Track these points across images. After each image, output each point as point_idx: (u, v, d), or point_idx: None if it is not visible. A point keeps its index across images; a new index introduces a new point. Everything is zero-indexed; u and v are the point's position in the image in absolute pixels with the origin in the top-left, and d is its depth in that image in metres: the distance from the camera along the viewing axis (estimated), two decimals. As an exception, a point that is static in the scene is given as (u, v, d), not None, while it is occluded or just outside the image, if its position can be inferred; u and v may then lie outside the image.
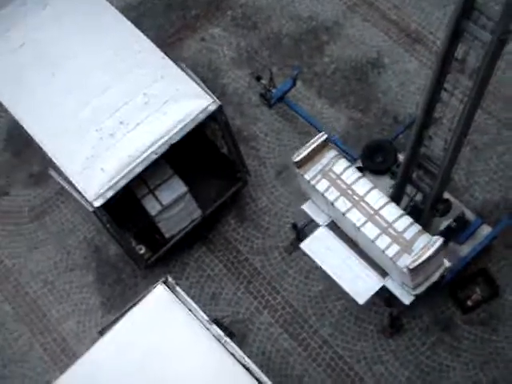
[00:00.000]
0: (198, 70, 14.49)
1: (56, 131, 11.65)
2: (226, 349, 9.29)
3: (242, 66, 15.02)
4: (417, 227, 9.90)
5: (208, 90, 11.65)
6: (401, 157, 12.08)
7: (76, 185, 11.22)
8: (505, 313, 12.01)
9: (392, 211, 10.02)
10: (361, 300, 10.60)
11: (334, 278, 10.80)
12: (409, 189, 10.76)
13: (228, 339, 9.39)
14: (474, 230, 11.93)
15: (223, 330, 9.60)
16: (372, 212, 10.01)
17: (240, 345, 10.13)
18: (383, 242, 9.85)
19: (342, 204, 10.15)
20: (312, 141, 10.33)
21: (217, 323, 9.92)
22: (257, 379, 9.03)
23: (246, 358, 9.22)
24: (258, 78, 13.84)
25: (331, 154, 10.44)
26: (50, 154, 11.57)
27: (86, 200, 11.10)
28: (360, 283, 10.65)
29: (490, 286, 12.12)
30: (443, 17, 14.63)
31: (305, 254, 11.48)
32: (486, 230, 11.94)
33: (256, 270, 13.04)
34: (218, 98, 11.66)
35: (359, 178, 10.29)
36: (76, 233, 13.87)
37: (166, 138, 11.32)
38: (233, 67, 15.06)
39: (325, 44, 14.96)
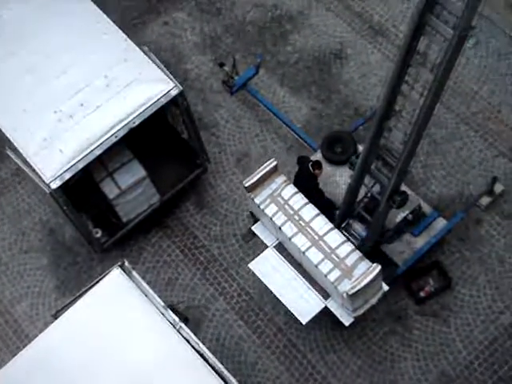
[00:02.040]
0: (161, 55, 14.40)
1: (13, 110, 11.51)
2: (181, 334, 9.30)
3: (205, 52, 14.96)
4: (358, 254, 10.50)
5: (170, 75, 11.60)
6: (360, 148, 12.19)
7: (33, 166, 11.10)
8: (456, 305, 12.21)
9: (335, 238, 10.62)
10: (303, 320, 11.02)
11: (279, 297, 11.22)
12: (367, 180, 10.85)
13: (183, 325, 9.41)
14: (430, 222, 12.09)
15: (178, 316, 9.61)
16: (316, 238, 10.61)
17: (195, 331, 10.14)
18: (326, 266, 10.42)
19: (289, 229, 10.71)
20: (262, 166, 10.86)
21: (172, 309, 9.91)
22: (210, 365, 9.06)
23: (201, 344, 9.25)
24: (221, 65, 13.81)
25: (280, 179, 10.96)
26: (7, 134, 11.41)
27: (43, 181, 10.99)
28: (303, 304, 11.10)
29: (443, 279, 12.31)
30: (406, 10, 14.75)
31: (262, 242, 11.58)
32: (441, 223, 12.11)
33: (213, 256, 13.04)
34: (180, 83, 11.62)
35: (306, 203, 10.84)
36: (32, 214, 13.71)
37: (127, 121, 11.26)
38: (196, 53, 14.98)
39: (289, 33, 14.96)
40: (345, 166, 12.25)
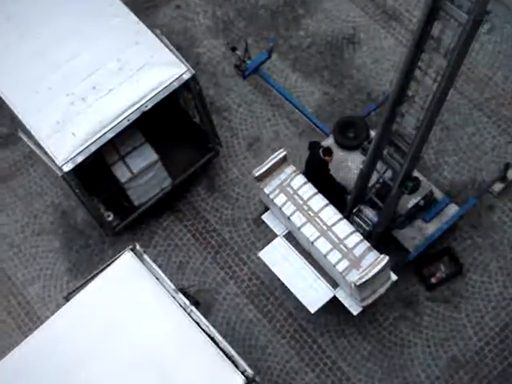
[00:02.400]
0: (173, 38, 14.37)
1: (26, 93, 11.51)
2: (191, 317, 9.33)
3: (217, 36, 14.92)
4: (366, 244, 10.58)
5: (182, 58, 11.58)
6: (373, 133, 12.15)
7: (46, 149, 11.12)
8: (468, 291, 12.20)
9: (344, 228, 10.70)
10: (312, 309, 11.13)
11: (288, 286, 11.31)
12: (379, 165, 10.82)
13: (193, 308, 9.44)
14: (442, 208, 12.05)
15: (189, 299, 9.64)
16: (325, 228, 10.68)
17: (205, 314, 10.19)
18: (334, 257, 10.51)
19: (298, 219, 10.79)
20: (272, 156, 10.94)
21: (183, 292, 9.94)
22: (221, 348, 9.10)
23: (211, 328, 9.27)
24: (233, 49, 13.77)
25: (289, 169, 11.03)
26: (19, 117, 11.43)
27: (56, 164, 11.02)
28: (312, 293, 11.19)
29: (455, 265, 12.29)
30: (420, -5, 14.64)
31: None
32: (452, 210, 12.07)
33: (224, 240, 13.07)
34: (192, 66, 11.60)
35: (315, 194, 10.89)
36: (44, 197, 13.77)
37: (139, 104, 11.25)
38: (208, 36, 14.95)
39: (301, 17, 14.90)
40: (357, 151, 12.26)
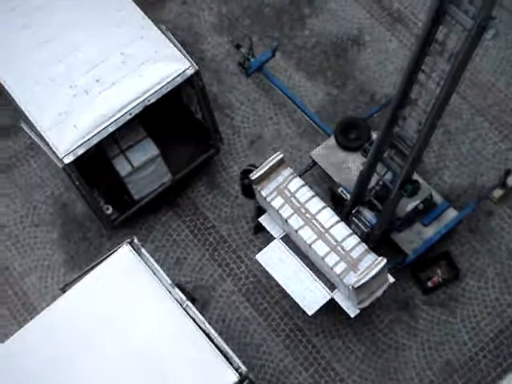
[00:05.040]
0: (178, 34, 14.37)
1: (29, 84, 11.50)
2: (187, 313, 9.35)
3: (222, 33, 14.92)
4: (363, 247, 10.61)
5: (186, 54, 11.58)
6: (374, 135, 12.16)
7: (47, 140, 11.12)
8: (464, 296, 12.21)
9: (341, 231, 10.74)
10: (310, 311, 11.14)
11: (286, 288, 11.32)
12: (379, 167, 10.83)
13: (189, 303, 9.45)
14: (441, 213, 12.06)
15: (185, 295, 9.65)
16: (323, 230, 10.71)
17: (201, 311, 10.22)
18: (332, 259, 10.53)
19: (295, 221, 10.82)
20: (269, 159, 10.95)
21: (179, 288, 9.96)
22: (215, 345, 9.11)
23: (207, 324, 9.28)
24: (238, 47, 13.78)
25: (287, 172, 11.05)
26: (22, 107, 11.43)
27: (57, 156, 11.02)
28: (309, 295, 11.21)
29: (452, 269, 12.30)
30: (426, -2, 14.67)
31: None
32: (451, 214, 12.08)
33: (222, 237, 13.08)
34: (196, 63, 11.59)
35: (312, 196, 10.92)
36: (44, 188, 13.77)
37: (142, 99, 11.25)
38: (213, 33, 14.95)
39: (307, 17, 14.90)
40: (358, 152, 12.25)
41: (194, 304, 9.63)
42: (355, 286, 10.11)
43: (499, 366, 11.69)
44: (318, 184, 13.09)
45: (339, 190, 12.08)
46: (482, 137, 13.38)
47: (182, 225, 13.25)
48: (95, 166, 12.19)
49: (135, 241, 9.93)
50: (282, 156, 10.98)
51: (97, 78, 11.43)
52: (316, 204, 10.90)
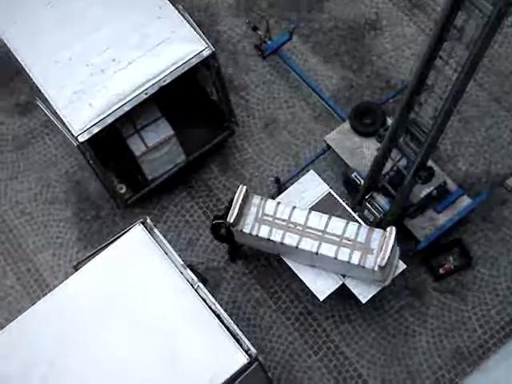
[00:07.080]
0: (195, 14, 14.34)
1: (46, 62, 11.53)
2: (198, 294, 9.38)
3: (239, 15, 14.86)
4: (365, 227, 10.59)
5: (203, 35, 11.56)
6: (389, 121, 12.11)
7: (62, 118, 11.16)
8: (475, 284, 12.19)
9: (337, 224, 10.69)
10: (321, 297, 11.18)
11: (297, 273, 11.33)
12: (393, 153, 10.80)
13: (201, 284, 9.48)
14: (454, 200, 12.02)
15: (197, 276, 9.68)
16: (320, 233, 10.63)
17: (212, 292, 10.22)
18: (344, 254, 10.50)
19: (291, 239, 10.74)
20: (236, 197, 10.87)
21: (191, 268, 9.99)
22: (226, 326, 9.15)
23: (217, 305, 9.32)
24: (255, 29, 13.72)
25: (256, 200, 11.00)
26: (38, 84, 11.46)
27: (72, 134, 11.05)
28: (321, 281, 11.20)
29: (464, 257, 12.28)
30: (446, -16, 14.51)
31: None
32: (465, 202, 12.04)
33: (235, 219, 13.09)
34: (212, 44, 11.57)
35: (293, 208, 10.84)
36: (58, 166, 13.82)
37: (157, 79, 11.26)
38: (230, 15, 14.89)
39: (324, 0, 14.81)
40: (372, 138, 12.21)
41: (205, 285, 9.67)
42: (382, 264, 10.08)
43: (509, 354, 11.68)
44: (331, 168, 13.08)
45: (353, 175, 12.06)
46: (498, 124, 13.30)
47: (194, 206, 13.28)
48: (110, 145, 12.21)
49: (148, 221, 9.96)
50: (245, 188, 10.90)
51: (113, 57, 11.44)
52: (300, 214, 10.82)
